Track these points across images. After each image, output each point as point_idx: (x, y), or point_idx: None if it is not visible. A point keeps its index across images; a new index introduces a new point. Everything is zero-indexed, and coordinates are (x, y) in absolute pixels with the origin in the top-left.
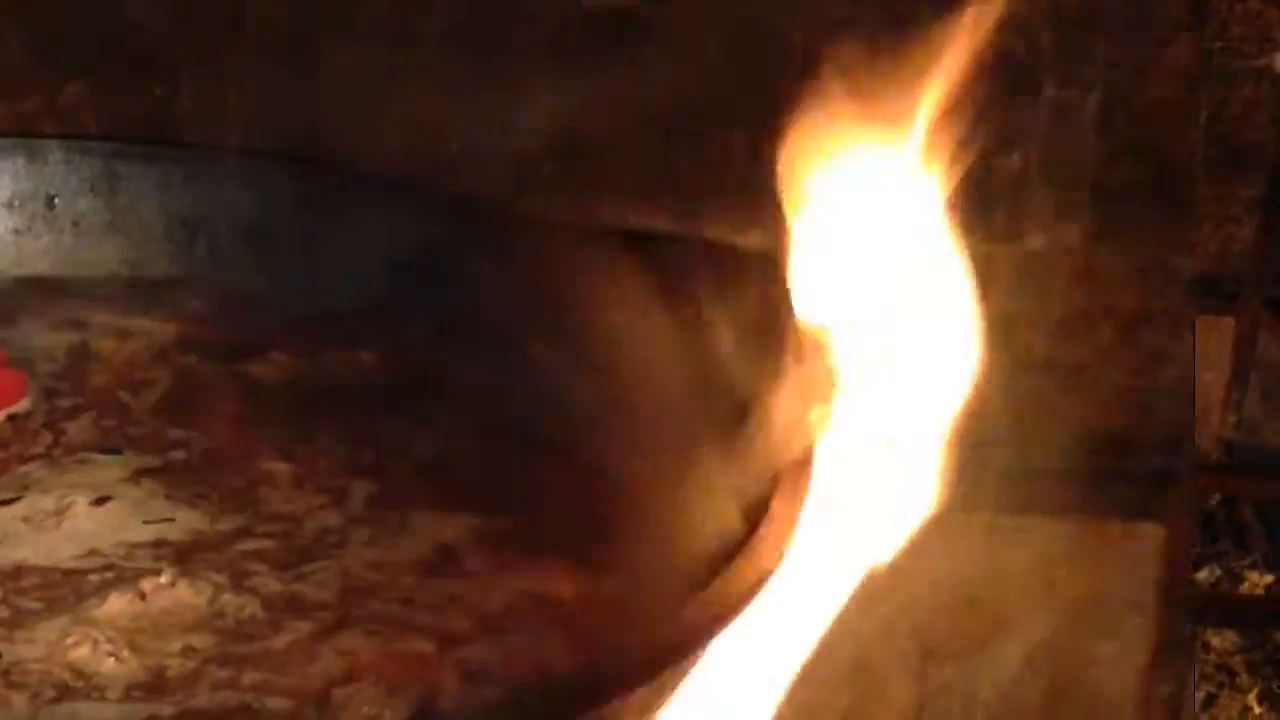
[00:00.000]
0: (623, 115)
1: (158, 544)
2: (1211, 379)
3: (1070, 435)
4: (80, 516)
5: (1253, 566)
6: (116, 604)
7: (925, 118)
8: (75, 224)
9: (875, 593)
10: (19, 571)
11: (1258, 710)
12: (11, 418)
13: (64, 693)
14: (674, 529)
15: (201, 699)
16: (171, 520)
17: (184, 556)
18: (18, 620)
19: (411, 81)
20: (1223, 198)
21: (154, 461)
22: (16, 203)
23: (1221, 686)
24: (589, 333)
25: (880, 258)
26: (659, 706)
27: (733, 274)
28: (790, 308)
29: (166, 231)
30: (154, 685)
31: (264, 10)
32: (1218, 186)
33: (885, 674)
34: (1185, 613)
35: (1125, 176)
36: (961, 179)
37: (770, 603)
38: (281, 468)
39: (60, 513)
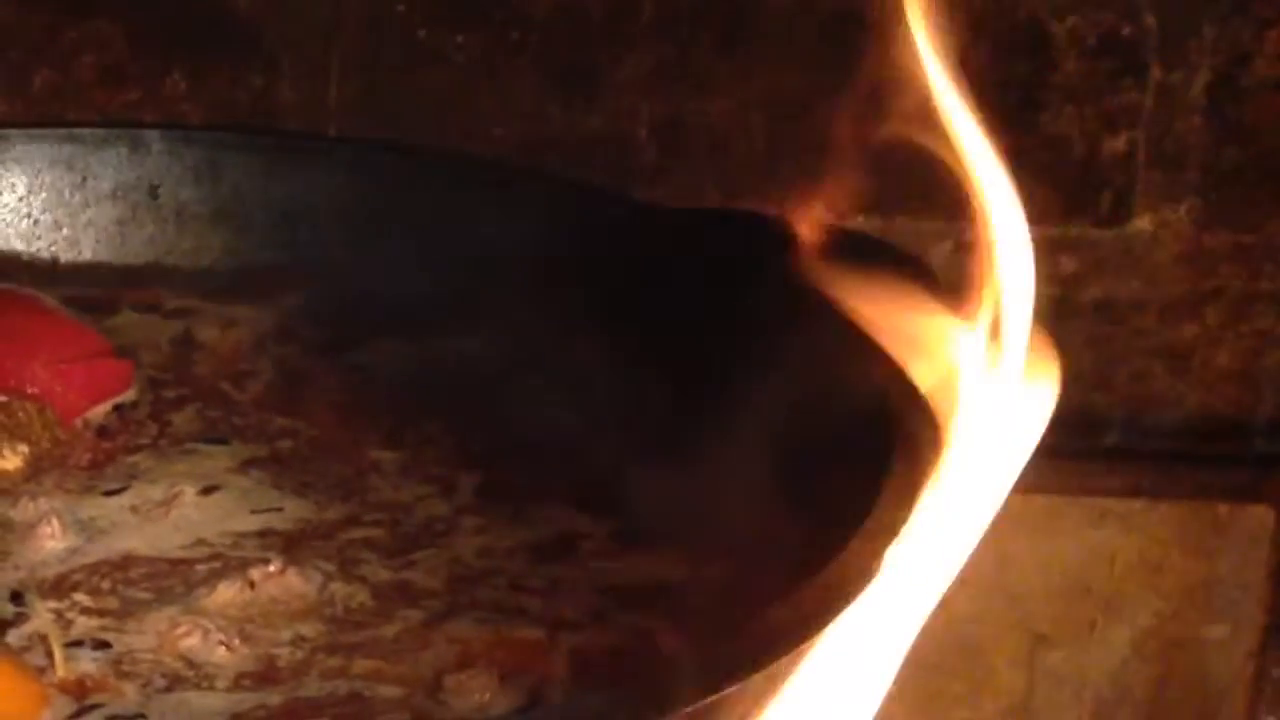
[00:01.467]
0: (725, 101)
1: (265, 533)
2: None
3: (1178, 418)
4: (188, 506)
5: None
6: (226, 593)
7: None
8: (178, 214)
9: (985, 579)
10: (127, 561)
11: None
12: (118, 408)
13: (174, 682)
14: (787, 512)
15: (312, 688)
16: (279, 510)
17: (292, 545)
18: (127, 610)
19: (515, 68)
20: None
21: (261, 451)
22: (119, 193)
23: None
24: (703, 318)
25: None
26: (772, 694)
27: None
28: (905, 285)
29: (269, 220)
30: (264, 674)
31: None
32: None
33: (994, 660)
34: None
35: (1232, 158)
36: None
37: (883, 588)
38: (389, 456)
39: (168, 502)
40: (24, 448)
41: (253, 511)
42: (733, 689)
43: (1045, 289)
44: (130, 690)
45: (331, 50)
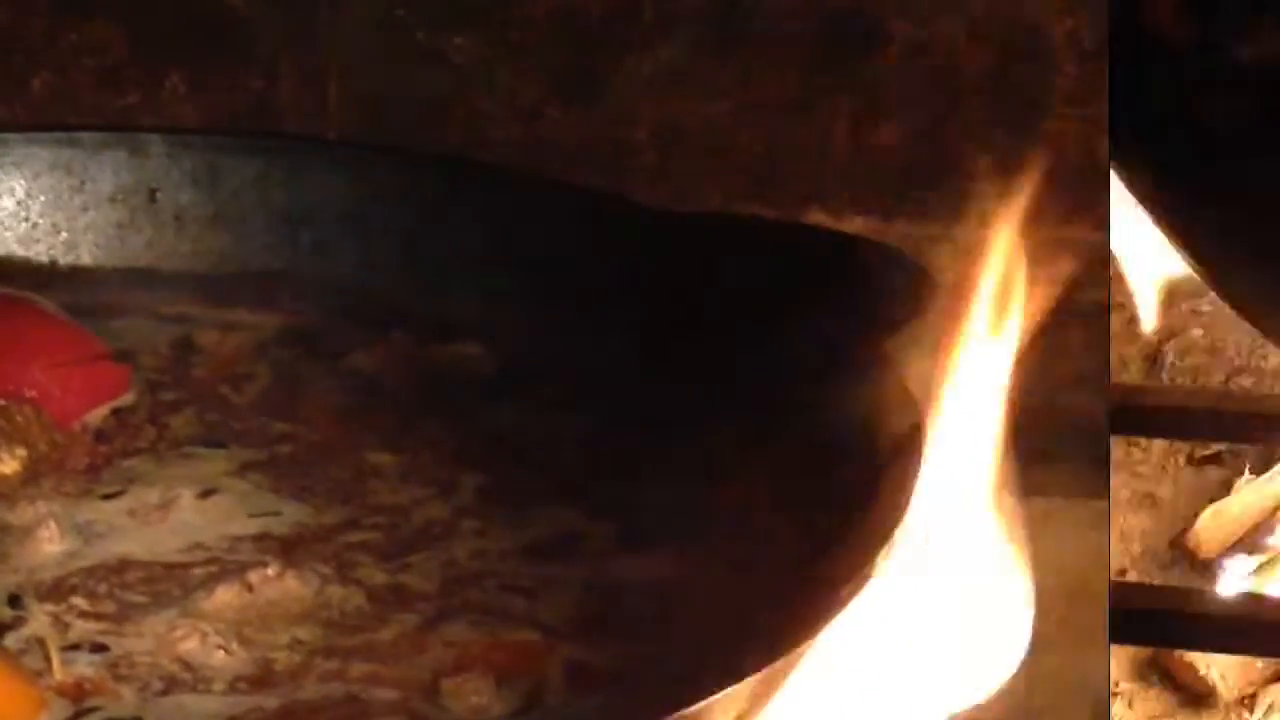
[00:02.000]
0: (725, 102)
1: (262, 537)
2: None
3: None
4: (185, 510)
5: None
6: (223, 596)
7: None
8: (177, 217)
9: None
10: (124, 565)
11: None
12: (116, 411)
13: (171, 685)
14: (786, 513)
15: (309, 691)
16: (277, 514)
17: (289, 549)
18: (124, 614)
19: (515, 70)
20: None
21: (259, 455)
22: (119, 196)
23: None
24: (701, 321)
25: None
26: (771, 694)
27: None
28: (900, 292)
29: (268, 224)
30: (261, 677)
31: None
32: None
33: None
34: None
35: None
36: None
37: (876, 590)
38: (387, 459)
39: (165, 506)
40: (22, 451)
41: (250, 515)
42: (732, 689)
43: (1046, 290)
44: (127, 693)
45: (331, 53)
